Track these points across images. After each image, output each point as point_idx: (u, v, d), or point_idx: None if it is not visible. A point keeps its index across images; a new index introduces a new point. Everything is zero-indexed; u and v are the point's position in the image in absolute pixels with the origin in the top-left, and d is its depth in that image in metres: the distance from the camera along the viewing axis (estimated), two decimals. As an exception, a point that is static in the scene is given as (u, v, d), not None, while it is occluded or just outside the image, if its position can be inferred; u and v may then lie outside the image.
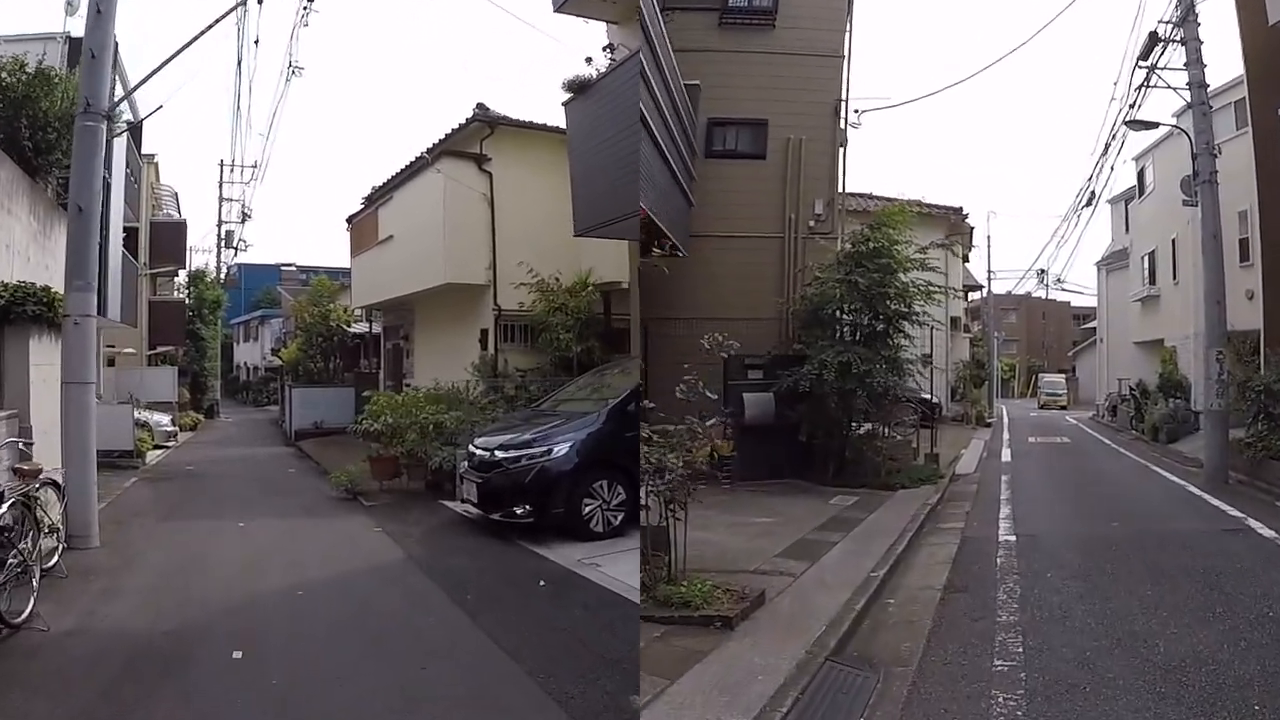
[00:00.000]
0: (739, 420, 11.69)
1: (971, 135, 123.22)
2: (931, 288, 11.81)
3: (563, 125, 11.82)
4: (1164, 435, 19.06)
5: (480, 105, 15.15)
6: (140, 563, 7.48)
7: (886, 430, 12.33)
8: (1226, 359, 12.76)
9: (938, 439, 15.52)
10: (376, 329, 23.22)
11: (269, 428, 26.13)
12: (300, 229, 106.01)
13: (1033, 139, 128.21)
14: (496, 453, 8.89)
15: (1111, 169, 27.86)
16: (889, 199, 17.81)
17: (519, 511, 8.47)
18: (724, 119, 14.24)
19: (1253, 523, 8.95)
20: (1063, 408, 39.30)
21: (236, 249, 33.33)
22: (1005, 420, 29.59)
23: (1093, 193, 20.55)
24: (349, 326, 25.52)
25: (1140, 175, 25.47)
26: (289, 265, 48.66)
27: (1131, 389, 23.95)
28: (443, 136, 15.74)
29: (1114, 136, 17.70)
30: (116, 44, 13.10)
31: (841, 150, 14.74)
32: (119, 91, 11.84)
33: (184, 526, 9.53)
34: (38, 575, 5.83)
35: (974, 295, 40.20)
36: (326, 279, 27.62)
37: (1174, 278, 22.03)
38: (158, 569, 7.28)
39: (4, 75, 9.80)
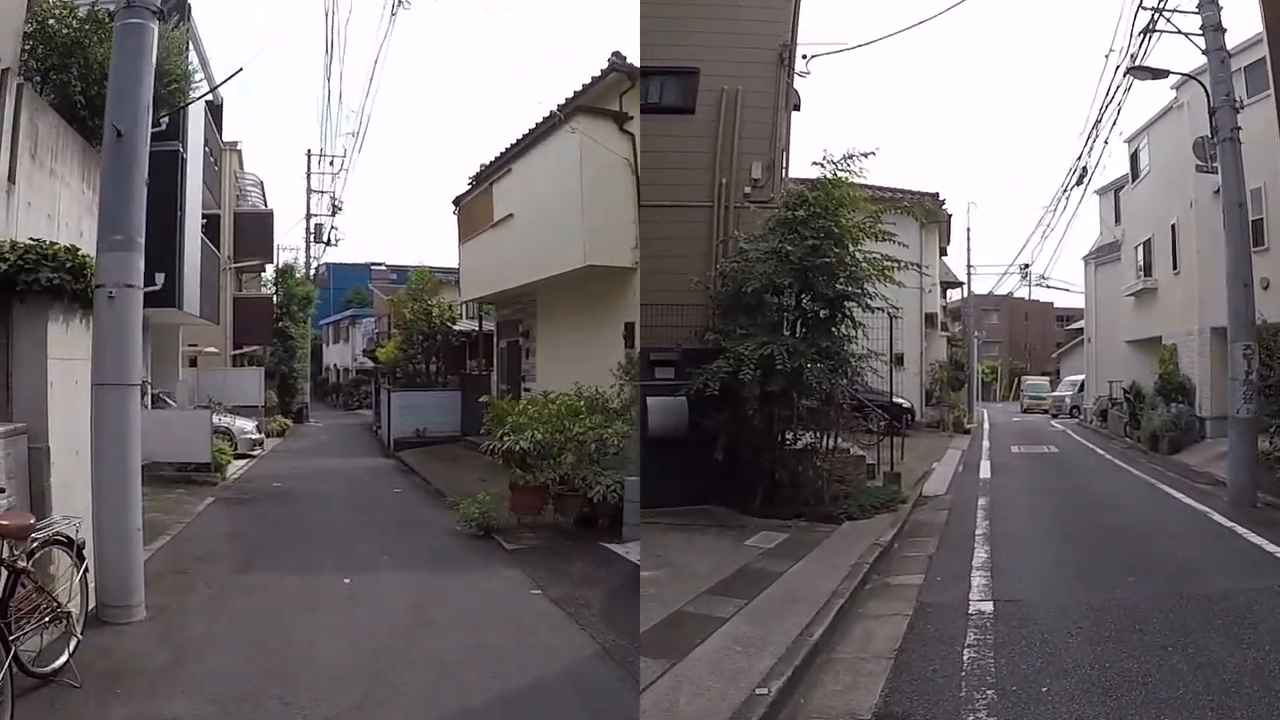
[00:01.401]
0: (642, 431, 9.16)
1: (948, 121, 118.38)
2: (888, 262, 9.20)
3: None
4: (1165, 444, 16.76)
5: (616, 54, 12.59)
6: (199, 659, 4.97)
7: (833, 442, 9.76)
8: (1255, 355, 10.42)
9: (907, 450, 13.18)
10: (488, 326, 20.46)
11: (363, 434, 23.80)
12: (390, 228, 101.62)
13: (1016, 122, 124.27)
14: None
15: (1105, 142, 25.59)
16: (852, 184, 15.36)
17: None
18: (647, 67, 11.93)
19: (1318, 575, 6.53)
20: (1045, 411, 37.22)
21: (327, 242, 31.09)
22: (986, 426, 27.22)
23: (1084, 169, 18.18)
24: (453, 324, 23.01)
25: (1133, 158, 23.16)
26: (379, 264, 45.49)
27: (1125, 391, 21.72)
28: (575, 91, 13.13)
29: (1110, 99, 15.38)
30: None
31: (792, 111, 12.54)
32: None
33: (268, 582, 7.01)
34: (9, 704, 3.75)
35: (953, 294, 37.98)
36: (426, 271, 24.96)
37: (1174, 267, 19.69)
38: (224, 676, 4.71)
39: (51, 22, 8.22)
